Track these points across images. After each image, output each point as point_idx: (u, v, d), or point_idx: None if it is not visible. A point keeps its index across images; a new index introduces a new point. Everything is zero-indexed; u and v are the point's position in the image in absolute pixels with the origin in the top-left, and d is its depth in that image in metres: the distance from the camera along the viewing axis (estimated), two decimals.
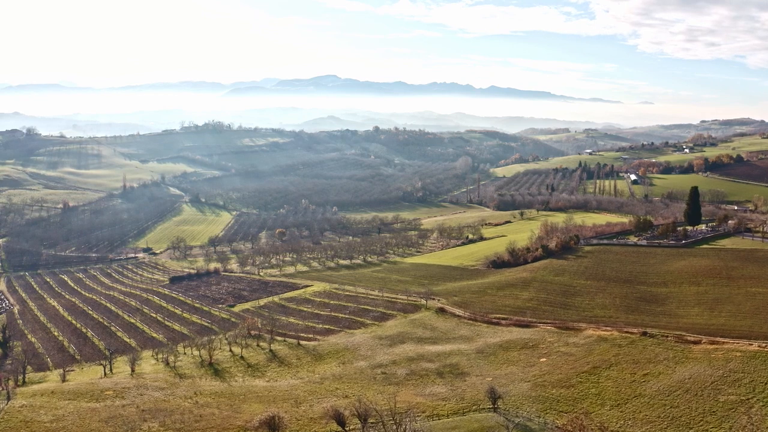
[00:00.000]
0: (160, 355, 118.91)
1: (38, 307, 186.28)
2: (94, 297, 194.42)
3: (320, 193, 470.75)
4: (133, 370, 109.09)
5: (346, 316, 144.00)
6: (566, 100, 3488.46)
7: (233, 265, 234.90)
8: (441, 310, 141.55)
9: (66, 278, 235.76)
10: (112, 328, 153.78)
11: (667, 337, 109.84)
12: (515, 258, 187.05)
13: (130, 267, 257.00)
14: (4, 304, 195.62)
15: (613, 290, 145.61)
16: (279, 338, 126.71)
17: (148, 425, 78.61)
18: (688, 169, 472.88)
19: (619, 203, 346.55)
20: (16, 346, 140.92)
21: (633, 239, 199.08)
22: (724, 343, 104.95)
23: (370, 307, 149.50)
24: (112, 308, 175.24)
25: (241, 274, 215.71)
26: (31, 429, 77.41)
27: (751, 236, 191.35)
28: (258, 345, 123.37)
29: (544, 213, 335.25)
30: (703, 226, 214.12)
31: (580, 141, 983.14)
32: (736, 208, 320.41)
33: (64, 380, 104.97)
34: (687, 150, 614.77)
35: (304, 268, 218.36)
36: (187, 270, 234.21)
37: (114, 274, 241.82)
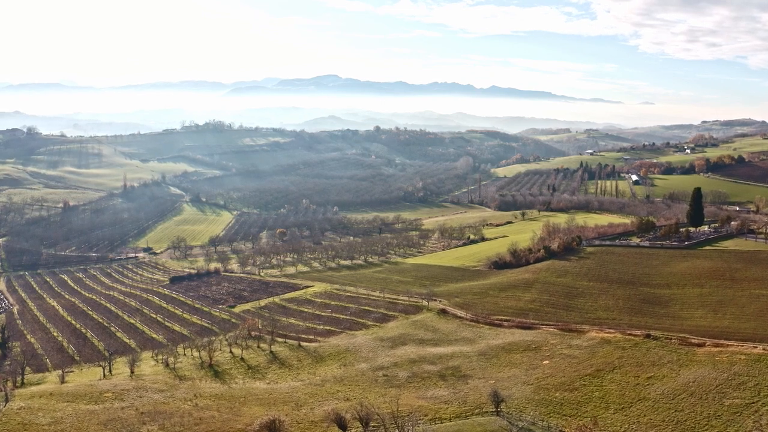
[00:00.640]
0: (159, 357, 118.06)
1: (38, 307, 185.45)
2: (93, 297, 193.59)
3: (321, 192, 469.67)
4: (132, 372, 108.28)
5: (347, 317, 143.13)
6: (567, 100, 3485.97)
7: (234, 265, 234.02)
8: (442, 312, 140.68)
9: (66, 278, 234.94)
10: (112, 328, 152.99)
11: (670, 339, 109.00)
12: (517, 259, 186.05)
13: (130, 267, 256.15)
14: (3, 304, 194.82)
15: (616, 292, 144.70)
16: (280, 339, 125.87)
17: (147, 428, 77.79)
18: (689, 170, 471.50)
19: (621, 204, 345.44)
20: (15, 346, 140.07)
21: (635, 240, 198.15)
22: (728, 345, 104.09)
23: (371, 308, 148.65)
24: (112, 308, 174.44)
25: (241, 275, 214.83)
26: None
27: (754, 238, 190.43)
28: (258, 346, 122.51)
29: (546, 213, 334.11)
30: (705, 228, 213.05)
31: (581, 141, 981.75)
32: (737, 209, 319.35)
33: (63, 382, 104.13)
34: (688, 150, 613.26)
35: (305, 269, 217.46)
36: (187, 270, 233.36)
37: (114, 274, 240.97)
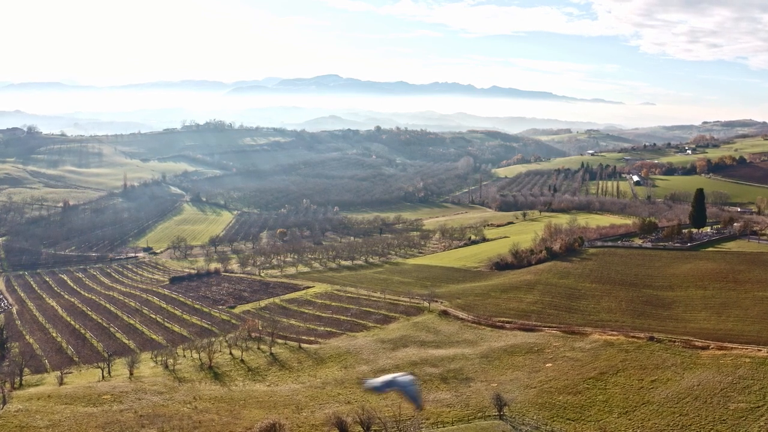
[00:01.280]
0: (159, 358, 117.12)
1: (37, 307, 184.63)
2: (93, 297, 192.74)
3: (322, 192, 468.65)
4: (131, 374, 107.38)
5: (348, 319, 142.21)
6: (568, 100, 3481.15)
7: (234, 265, 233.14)
8: (444, 313, 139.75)
9: (65, 278, 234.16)
10: (111, 329, 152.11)
11: (674, 342, 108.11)
12: (519, 260, 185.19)
13: (130, 267, 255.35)
14: (2, 304, 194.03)
15: (619, 294, 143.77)
16: (280, 341, 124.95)
17: (146, 431, 76.90)
18: (690, 171, 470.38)
19: (622, 204, 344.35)
20: (13, 347, 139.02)
21: (638, 241, 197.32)
22: (732, 348, 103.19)
23: (372, 310, 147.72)
24: (112, 309, 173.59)
25: (241, 275, 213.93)
26: None
27: (757, 239, 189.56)
28: (258, 348, 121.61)
29: (547, 214, 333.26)
30: (708, 229, 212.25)
31: (582, 142, 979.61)
32: (739, 209, 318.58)
33: (61, 383, 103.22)
34: (689, 151, 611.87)
35: (306, 269, 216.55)
36: (187, 270, 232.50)
37: (114, 274, 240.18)
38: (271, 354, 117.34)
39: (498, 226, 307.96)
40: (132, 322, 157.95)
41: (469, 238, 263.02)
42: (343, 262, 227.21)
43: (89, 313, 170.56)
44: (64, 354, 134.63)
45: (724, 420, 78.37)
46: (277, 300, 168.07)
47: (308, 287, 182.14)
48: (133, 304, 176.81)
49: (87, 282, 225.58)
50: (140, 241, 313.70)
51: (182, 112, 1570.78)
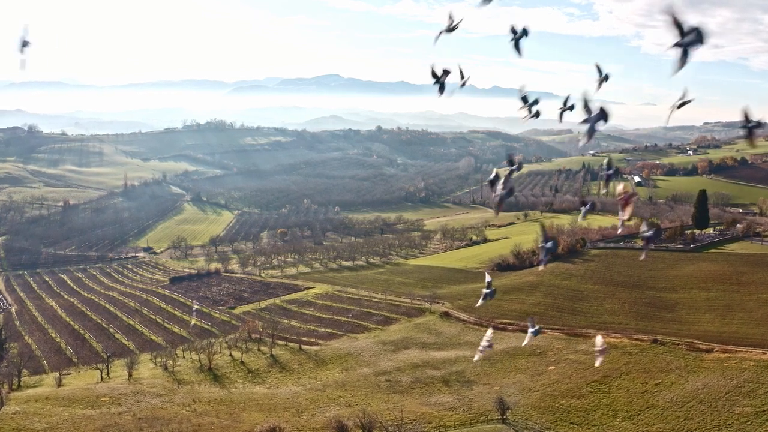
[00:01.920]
0: (158, 359, 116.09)
1: (36, 307, 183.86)
2: (93, 297, 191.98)
3: (322, 192, 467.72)
4: (130, 375, 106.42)
5: (349, 320, 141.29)
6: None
7: (234, 265, 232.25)
8: (446, 315, 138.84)
9: (65, 277, 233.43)
10: (111, 329, 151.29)
11: (678, 344, 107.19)
12: (521, 261, 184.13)
13: (130, 266, 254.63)
14: (1, 304, 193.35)
15: (622, 295, 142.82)
16: (280, 342, 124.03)
17: None
18: (692, 171, 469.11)
19: None
20: (12, 347, 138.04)
21: (640, 243, 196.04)
22: (736, 351, 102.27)
23: (373, 311, 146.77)
24: (111, 309, 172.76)
25: (242, 275, 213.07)
26: None
27: (760, 241, 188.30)
28: (259, 349, 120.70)
29: (548, 214, 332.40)
30: (710, 230, 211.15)
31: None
32: (740, 210, 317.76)
33: (59, 385, 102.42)
34: (690, 152, 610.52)
35: (306, 269, 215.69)
36: (187, 270, 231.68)
37: (114, 274, 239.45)
38: (272, 355, 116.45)
39: (499, 226, 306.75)
40: (131, 322, 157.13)
41: (471, 238, 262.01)
42: (344, 263, 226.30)
43: (89, 313, 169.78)
44: (62, 355, 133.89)
45: (729, 424, 77.50)
46: (277, 301, 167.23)
47: (309, 288, 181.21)
48: (132, 305, 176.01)
49: (87, 282, 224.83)
50: (140, 241, 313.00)
51: (183, 111, 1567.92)
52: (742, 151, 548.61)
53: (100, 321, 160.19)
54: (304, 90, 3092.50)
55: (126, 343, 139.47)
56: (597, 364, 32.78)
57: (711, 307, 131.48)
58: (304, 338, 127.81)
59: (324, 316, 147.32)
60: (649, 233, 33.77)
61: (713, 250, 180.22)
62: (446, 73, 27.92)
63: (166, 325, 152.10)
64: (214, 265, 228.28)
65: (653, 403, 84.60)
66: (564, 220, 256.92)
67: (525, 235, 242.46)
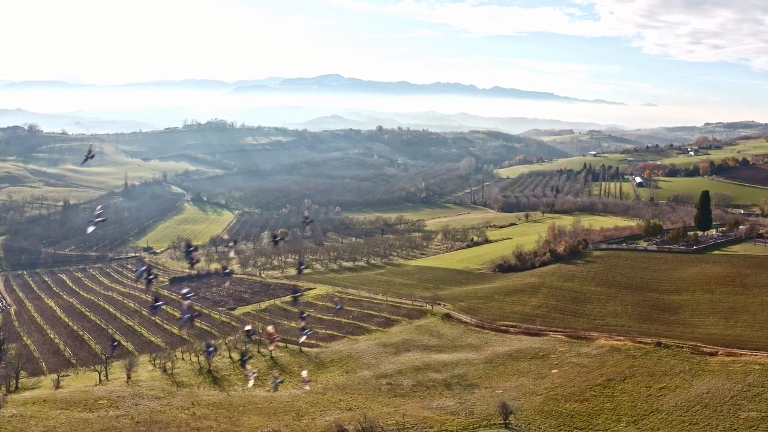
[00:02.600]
0: (157, 361, 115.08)
1: (35, 307, 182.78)
2: (92, 297, 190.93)
3: (323, 192, 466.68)
4: (129, 377, 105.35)
5: (350, 322, 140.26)
6: (570, 101, 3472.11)
7: (234, 265, 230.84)
8: (447, 316, 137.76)
9: (65, 278, 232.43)
10: (110, 330, 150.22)
11: (682, 347, 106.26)
12: (522, 262, 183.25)
13: (130, 266, 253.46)
14: (1, 305, 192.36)
15: (625, 297, 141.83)
16: (280, 344, 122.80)
17: None
18: (693, 172, 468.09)
19: (625, 206, 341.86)
20: (10, 349, 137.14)
21: (643, 244, 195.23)
22: (741, 354, 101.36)
23: (374, 312, 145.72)
24: (110, 310, 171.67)
25: (242, 276, 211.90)
26: None
27: (763, 242, 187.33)
28: (259, 351, 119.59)
29: (550, 215, 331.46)
30: (713, 231, 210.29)
31: (584, 142, 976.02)
32: (742, 211, 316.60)
33: (57, 387, 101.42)
34: (692, 153, 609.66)
35: (307, 270, 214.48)
36: (187, 270, 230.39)
37: (113, 274, 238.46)
38: (271, 358, 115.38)
39: (500, 227, 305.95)
40: (131, 323, 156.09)
41: (472, 239, 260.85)
42: (345, 263, 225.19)
43: (87, 314, 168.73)
44: (61, 356, 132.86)
45: (734, 429, 76.69)
46: (277, 302, 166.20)
47: (309, 289, 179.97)
48: (132, 305, 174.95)
49: (86, 282, 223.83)
50: (140, 241, 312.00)
51: (184, 111, 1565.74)
52: (744, 152, 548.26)
53: (99, 322, 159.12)
54: (305, 90, 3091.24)
55: (125, 344, 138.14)
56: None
57: (715, 310, 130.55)
58: (304, 340, 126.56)
59: (324, 317, 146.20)
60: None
61: (716, 252, 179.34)
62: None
63: (166, 326, 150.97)
64: (214, 266, 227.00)
65: (658, 408, 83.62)
66: (566, 221, 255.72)
67: (526, 236, 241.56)
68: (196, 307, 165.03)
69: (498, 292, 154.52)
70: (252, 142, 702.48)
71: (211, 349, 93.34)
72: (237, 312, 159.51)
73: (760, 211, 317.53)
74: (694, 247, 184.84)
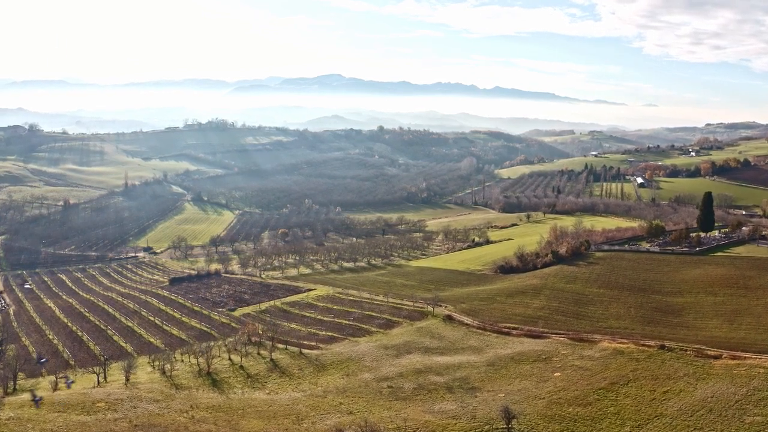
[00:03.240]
0: (156, 363, 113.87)
1: (34, 308, 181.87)
2: (91, 298, 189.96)
3: (324, 192, 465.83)
4: (127, 379, 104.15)
5: (350, 323, 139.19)
6: (571, 101, 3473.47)
7: (234, 266, 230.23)
8: (448, 318, 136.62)
9: (64, 278, 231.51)
10: (109, 331, 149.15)
11: (686, 350, 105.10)
12: (524, 263, 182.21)
13: (129, 267, 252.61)
14: (0, 305, 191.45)
15: (628, 299, 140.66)
16: (280, 346, 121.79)
17: None
18: (694, 173, 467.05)
19: (627, 207, 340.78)
20: (9, 349, 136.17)
21: (645, 245, 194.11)
22: (745, 358, 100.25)
23: (374, 314, 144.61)
24: (110, 310, 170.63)
25: (242, 276, 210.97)
26: None
27: (766, 244, 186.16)
28: (258, 353, 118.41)
29: (551, 216, 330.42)
30: (716, 233, 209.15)
31: (585, 143, 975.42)
32: (743, 213, 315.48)
33: (55, 389, 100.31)
34: (693, 153, 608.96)
35: (307, 271, 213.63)
36: (187, 271, 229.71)
37: (113, 274, 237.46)
38: (271, 360, 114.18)
39: (502, 227, 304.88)
40: (130, 324, 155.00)
41: (473, 240, 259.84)
42: (346, 264, 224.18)
43: (87, 314, 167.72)
44: (60, 357, 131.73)
45: None
46: (278, 303, 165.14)
47: (310, 290, 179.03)
48: (131, 306, 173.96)
49: (86, 282, 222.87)
50: (140, 241, 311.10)
51: (185, 110, 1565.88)
52: (745, 152, 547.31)
53: (98, 322, 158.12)
54: (306, 90, 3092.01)
55: (124, 345, 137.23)
56: None
57: (718, 312, 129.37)
58: (304, 342, 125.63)
59: (325, 318, 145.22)
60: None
61: (719, 254, 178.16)
62: None
63: (165, 327, 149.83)
64: (214, 266, 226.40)
65: (662, 412, 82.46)
66: (567, 222, 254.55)
67: (528, 236, 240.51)
68: (197, 308, 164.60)
69: (500, 294, 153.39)
70: (253, 141, 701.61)
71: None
72: (237, 313, 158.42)
73: (762, 212, 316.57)
74: (697, 248, 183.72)
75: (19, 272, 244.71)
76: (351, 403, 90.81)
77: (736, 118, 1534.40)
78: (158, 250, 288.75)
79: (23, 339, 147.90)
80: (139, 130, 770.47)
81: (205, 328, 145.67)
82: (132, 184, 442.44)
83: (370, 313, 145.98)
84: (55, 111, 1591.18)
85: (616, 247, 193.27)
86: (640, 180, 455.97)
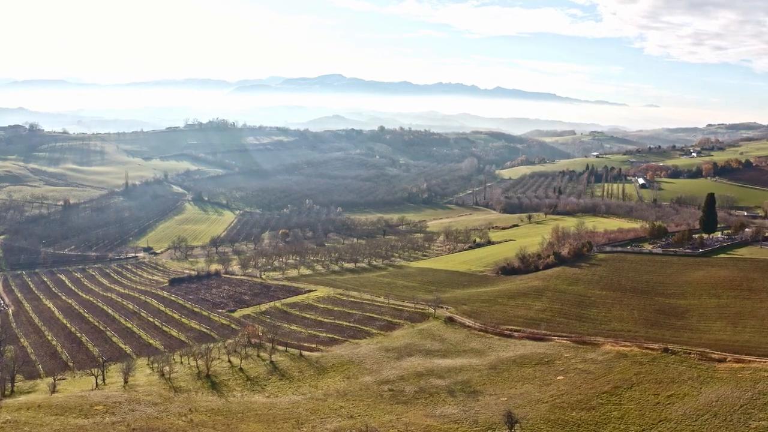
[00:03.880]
0: (155, 365, 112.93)
1: (33, 308, 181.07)
2: (91, 299, 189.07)
3: (324, 193, 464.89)
4: (126, 382, 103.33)
5: (351, 325, 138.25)
6: (572, 102, 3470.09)
7: (235, 266, 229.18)
8: (450, 320, 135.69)
9: (64, 278, 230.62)
10: (108, 333, 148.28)
11: (689, 354, 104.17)
12: (526, 265, 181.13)
13: (129, 267, 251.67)
14: None
15: (630, 302, 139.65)
16: (280, 348, 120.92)
17: None
18: (696, 174, 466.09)
19: (629, 207, 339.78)
20: (7, 351, 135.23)
21: (648, 247, 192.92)
22: (750, 361, 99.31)
23: (375, 315, 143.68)
24: (109, 311, 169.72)
25: (242, 277, 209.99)
26: None
27: None
28: (258, 355, 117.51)
29: (552, 217, 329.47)
30: (718, 234, 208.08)
31: (586, 143, 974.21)
32: (745, 213, 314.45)
33: (53, 391, 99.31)
34: (694, 154, 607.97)
35: (308, 272, 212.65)
36: (187, 271, 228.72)
37: (113, 275, 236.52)
38: (271, 362, 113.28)
39: (503, 228, 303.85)
40: (129, 325, 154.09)
41: (474, 240, 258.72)
42: (346, 265, 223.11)
43: (86, 315, 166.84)
44: (58, 359, 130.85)
45: None
46: (278, 304, 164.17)
47: (310, 291, 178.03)
48: (131, 307, 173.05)
49: (85, 283, 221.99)
50: (140, 241, 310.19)
51: (186, 110, 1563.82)
52: (747, 153, 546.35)
53: (97, 323, 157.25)
54: (307, 90, 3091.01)
55: (123, 346, 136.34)
56: None
57: (722, 315, 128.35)
58: (304, 344, 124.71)
59: (325, 320, 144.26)
60: None
61: (722, 255, 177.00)
62: None
63: (165, 329, 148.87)
64: (214, 267, 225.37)
65: (666, 416, 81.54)
66: (569, 223, 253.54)
67: (529, 237, 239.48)
68: (196, 309, 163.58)
69: (501, 296, 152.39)
70: (253, 141, 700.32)
71: None
72: (237, 314, 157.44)
73: (764, 213, 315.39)
74: (700, 250, 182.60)
75: (19, 272, 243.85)
76: (351, 406, 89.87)
77: (737, 119, 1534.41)
78: (158, 251, 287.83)
79: (22, 340, 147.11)
80: (139, 130, 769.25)
81: (205, 330, 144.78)
82: (132, 183, 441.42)
83: (370, 314, 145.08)
84: (56, 110, 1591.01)
85: (619, 249, 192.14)
86: (641, 181, 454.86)
